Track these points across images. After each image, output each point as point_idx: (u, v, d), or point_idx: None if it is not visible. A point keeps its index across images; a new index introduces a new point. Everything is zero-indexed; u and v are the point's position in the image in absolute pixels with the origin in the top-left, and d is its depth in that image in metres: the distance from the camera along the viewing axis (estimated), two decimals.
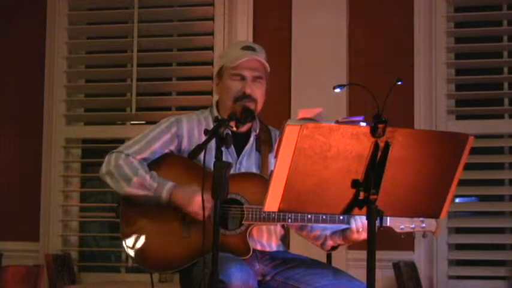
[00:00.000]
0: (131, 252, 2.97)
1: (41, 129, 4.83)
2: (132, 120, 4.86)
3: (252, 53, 3.05)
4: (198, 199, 2.84)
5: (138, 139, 3.06)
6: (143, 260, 2.97)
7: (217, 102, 3.15)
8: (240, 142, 3.04)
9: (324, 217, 2.87)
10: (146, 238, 2.96)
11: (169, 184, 2.93)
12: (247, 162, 3.05)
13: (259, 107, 3.06)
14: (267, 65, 3.05)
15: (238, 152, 3.06)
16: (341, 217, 2.88)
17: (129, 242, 2.97)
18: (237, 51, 3.06)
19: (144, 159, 3.01)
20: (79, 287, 4.64)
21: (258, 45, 3.16)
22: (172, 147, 3.06)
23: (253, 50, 3.07)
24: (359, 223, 2.86)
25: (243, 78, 3.02)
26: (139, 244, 2.96)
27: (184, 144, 3.06)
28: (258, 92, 3.03)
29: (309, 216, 2.86)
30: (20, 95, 4.91)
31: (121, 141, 4.49)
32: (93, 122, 4.94)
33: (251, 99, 3.00)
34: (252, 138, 3.09)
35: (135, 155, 3.00)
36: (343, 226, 2.94)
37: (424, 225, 2.88)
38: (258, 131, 3.11)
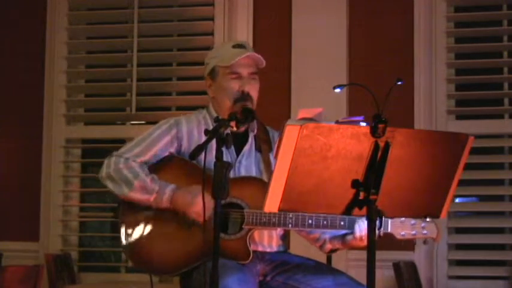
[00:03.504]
0: (130, 255, 2.97)
1: (41, 129, 4.83)
2: (132, 120, 4.86)
3: (245, 50, 3.03)
4: (199, 200, 2.83)
5: (138, 142, 3.03)
6: (142, 263, 2.96)
7: (212, 102, 3.12)
8: (238, 142, 3.03)
9: (325, 222, 2.85)
10: (145, 241, 2.94)
11: (171, 186, 2.91)
12: (247, 161, 3.04)
13: (255, 104, 3.04)
14: (262, 60, 3.03)
15: (237, 152, 3.05)
16: (341, 223, 2.86)
17: (128, 245, 2.96)
18: (229, 51, 3.03)
19: (145, 163, 3.00)
20: (79, 287, 4.64)
21: (245, 41, 3.17)
22: (172, 149, 3.04)
23: (244, 47, 3.06)
24: (363, 232, 2.83)
25: (239, 76, 3.00)
26: (138, 247, 2.95)
27: (184, 146, 3.04)
28: (254, 89, 3.02)
29: (310, 221, 2.85)
30: (20, 95, 4.91)
31: (121, 141, 4.49)
32: (93, 122, 4.94)
33: (250, 97, 3.00)
34: (250, 138, 3.08)
35: (135, 159, 2.98)
36: (344, 231, 2.94)
37: (425, 231, 2.85)
38: (256, 130, 3.11)
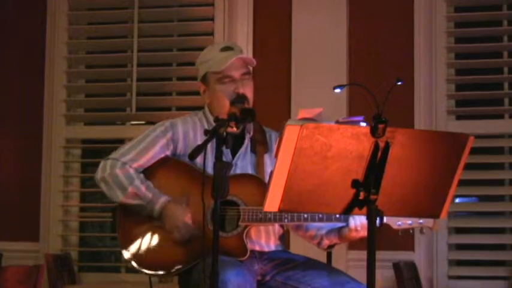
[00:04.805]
0: (128, 256, 2.97)
1: (41, 129, 4.83)
2: (132, 120, 4.86)
3: (233, 52, 3.03)
4: (179, 224, 2.89)
5: (134, 145, 3.03)
6: (141, 264, 2.97)
7: (208, 106, 3.12)
8: (234, 144, 3.02)
9: (321, 216, 2.86)
10: (144, 242, 2.96)
11: (164, 197, 2.93)
12: (242, 163, 3.05)
13: (251, 103, 3.04)
14: (253, 60, 3.05)
15: (233, 154, 3.05)
16: (337, 215, 2.86)
17: (126, 246, 2.97)
18: (217, 55, 3.04)
19: (141, 167, 3.01)
20: (79, 287, 4.64)
21: (233, 42, 3.16)
22: (168, 152, 3.04)
23: (232, 49, 3.05)
24: (358, 222, 2.85)
25: (232, 79, 3.01)
26: (136, 248, 2.96)
27: (180, 148, 3.05)
28: (248, 89, 3.02)
29: (306, 215, 2.85)
30: (20, 95, 4.91)
31: (121, 141, 4.49)
32: (93, 122, 4.94)
33: (246, 98, 2.99)
34: (246, 140, 3.08)
35: (131, 163, 2.98)
36: (340, 224, 2.94)
37: (421, 221, 2.86)
38: (252, 132, 3.11)
